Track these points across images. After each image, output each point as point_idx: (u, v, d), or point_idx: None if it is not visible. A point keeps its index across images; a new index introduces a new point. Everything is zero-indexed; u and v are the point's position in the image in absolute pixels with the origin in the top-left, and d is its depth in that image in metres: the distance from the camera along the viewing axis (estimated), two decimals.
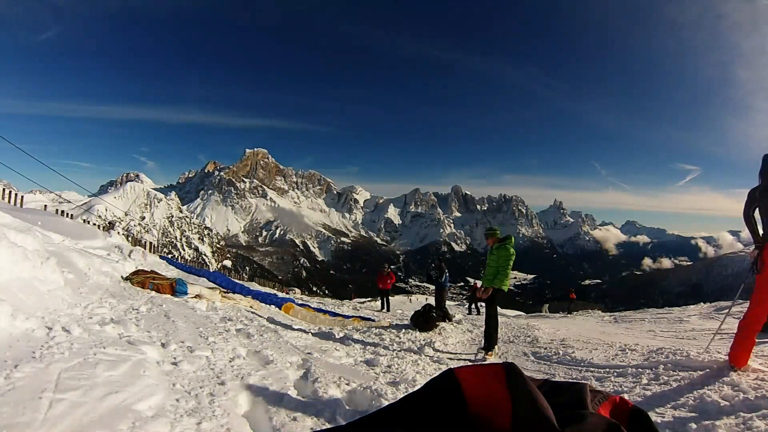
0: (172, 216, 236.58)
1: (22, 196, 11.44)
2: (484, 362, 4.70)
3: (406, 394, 0.88)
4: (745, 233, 3.40)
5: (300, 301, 10.23)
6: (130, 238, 14.26)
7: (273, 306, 7.71)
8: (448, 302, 10.74)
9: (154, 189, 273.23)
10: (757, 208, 3.21)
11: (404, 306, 20.28)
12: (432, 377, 0.66)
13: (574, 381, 0.79)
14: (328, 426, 2.15)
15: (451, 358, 5.51)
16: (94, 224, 12.55)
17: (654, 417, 2.49)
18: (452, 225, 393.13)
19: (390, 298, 13.58)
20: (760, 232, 3.18)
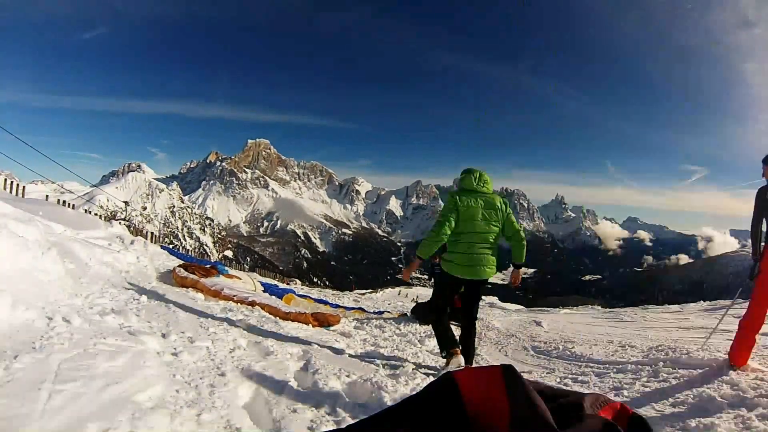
0: (174, 206, 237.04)
1: (24, 187, 11.44)
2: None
3: (405, 397, 0.87)
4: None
5: (301, 292, 10.26)
6: (131, 228, 14.30)
7: (274, 296, 7.74)
8: None
9: (156, 179, 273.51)
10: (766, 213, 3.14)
11: (405, 299, 20.37)
12: (431, 381, 0.66)
13: (573, 390, 0.78)
14: (329, 419, 2.16)
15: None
16: (96, 214, 12.59)
17: (653, 414, 2.50)
18: None
19: (385, 290, 13.19)
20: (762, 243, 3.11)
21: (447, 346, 3.56)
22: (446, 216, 3.37)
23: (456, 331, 3.73)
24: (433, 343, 5.60)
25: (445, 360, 3.57)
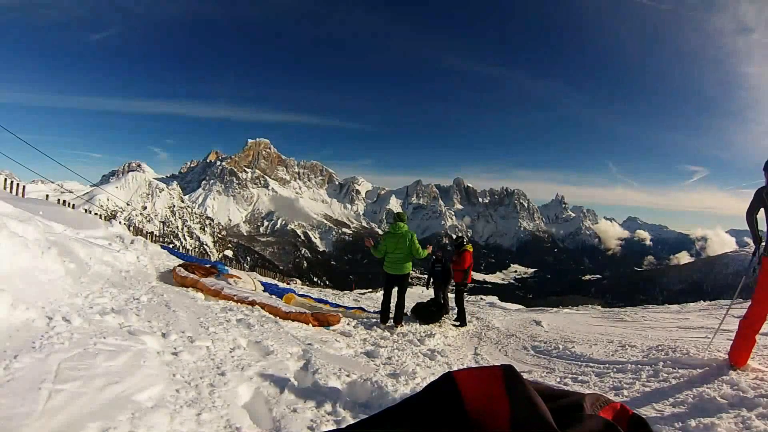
0: (174, 206, 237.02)
1: (24, 187, 11.42)
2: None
3: (405, 397, 0.87)
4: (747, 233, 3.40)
5: (301, 292, 10.26)
6: (131, 228, 14.30)
7: (274, 296, 7.73)
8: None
9: (156, 179, 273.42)
10: (763, 209, 3.18)
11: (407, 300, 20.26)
12: (431, 381, 0.66)
13: (573, 391, 0.78)
14: (329, 418, 2.16)
15: (451, 351, 5.54)
16: (96, 214, 12.57)
17: (653, 414, 2.50)
18: (453, 217, 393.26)
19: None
20: (763, 233, 3.16)
21: (384, 318, 6.36)
22: (381, 244, 6.46)
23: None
24: (433, 343, 5.60)
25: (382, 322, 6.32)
